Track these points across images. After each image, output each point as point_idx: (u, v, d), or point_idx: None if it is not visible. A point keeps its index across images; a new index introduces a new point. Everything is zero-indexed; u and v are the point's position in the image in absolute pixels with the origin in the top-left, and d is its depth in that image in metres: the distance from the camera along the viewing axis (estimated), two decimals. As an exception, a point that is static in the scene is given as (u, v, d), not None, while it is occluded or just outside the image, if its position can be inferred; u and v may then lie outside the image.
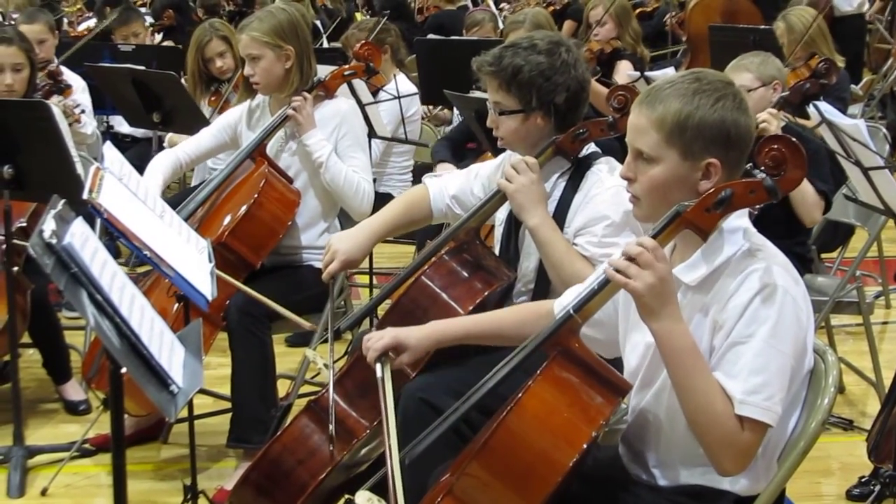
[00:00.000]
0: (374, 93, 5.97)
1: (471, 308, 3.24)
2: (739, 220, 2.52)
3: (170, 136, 5.99)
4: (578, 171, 3.38)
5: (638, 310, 2.42)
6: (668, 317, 2.39)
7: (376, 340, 2.88)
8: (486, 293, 3.28)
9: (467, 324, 3.01)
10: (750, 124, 2.53)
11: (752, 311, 2.40)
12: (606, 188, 3.28)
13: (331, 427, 3.22)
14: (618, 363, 2.70)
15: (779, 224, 4.32)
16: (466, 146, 6.19)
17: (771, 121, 4.46)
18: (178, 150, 4.67)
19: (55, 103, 5.03)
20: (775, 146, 2.41)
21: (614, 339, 2.74)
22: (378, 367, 2.86)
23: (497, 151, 3.76)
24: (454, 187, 3.70)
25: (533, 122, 3.35)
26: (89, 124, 5.76)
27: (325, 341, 3.42)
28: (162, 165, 4.57)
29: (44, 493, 4.19)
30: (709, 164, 2.48)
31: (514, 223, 3.44)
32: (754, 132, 2.58)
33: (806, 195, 4.48)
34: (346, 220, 4.67)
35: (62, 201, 2.43)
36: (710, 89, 2.50)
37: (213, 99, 6.11)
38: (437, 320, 2.98)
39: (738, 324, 2.40)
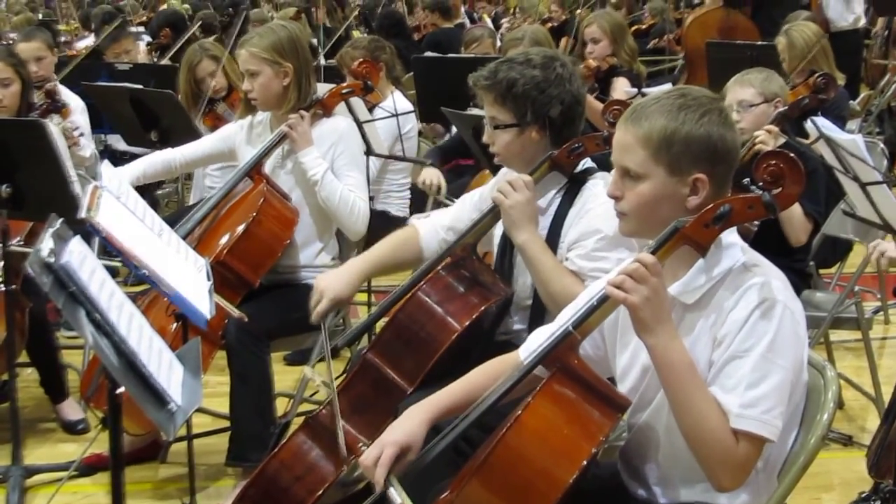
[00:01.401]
0: (371, 109, 5.98)
1: (467, 323, 3.24)
2: (732, 236, 2.53)
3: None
4: (574, 186, 3.39)
5: (634, 326, 2.43)
6: (664, 332, 2.40)
7: (375, 457, 2.60)
8: (482, 308, 3.29)
9: (445, 398, 2.78)
10: (736, 139, 2.55)
11: (751, 325, 2.40)
12: (601, 203, 3.28)
13: (340, 435, 3.17)
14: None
15: (773, 242, 4.32)
16: (458, 161, 6.21)
17: (768, 140, 4.47)
18: (176, 150, 4.78)
19: (55, 124, 5.04)
20: (773, 161, 2.42)
21: (602, 371, 2.73)
22: (392, 490, 2.56)
23: (494, 168, 3.76)
24: (447, 219, 3.71)
25: (528, 136, 3.37)
26: (88, 147, 5.77)
27: (324, 359, 3.41)
28: (151, 160, 4.72)
29: (42, 512, 4.19)
30: (696, 179, 2.49)
31: (508, 239, 3.44)
32: (740, 147, 2.59)
33: (793, 215, 4.48)
34: (344, 241, 4.68)
35: (60, 220, 2.44)
36: (696, 105, 2.52)
37: (208, 118, 6.11)
38: (414, 407, 2.76)
39: (737, 338, 2.41)
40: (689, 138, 2.48)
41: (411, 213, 5.88)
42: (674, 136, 2.48)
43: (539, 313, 3.37)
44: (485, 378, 2.78)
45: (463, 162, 6.62)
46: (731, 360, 2.41)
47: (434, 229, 3.70)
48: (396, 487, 2.58)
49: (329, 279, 3.57)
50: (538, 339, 2.72)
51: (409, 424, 2.69)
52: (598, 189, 3.34)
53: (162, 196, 7.51)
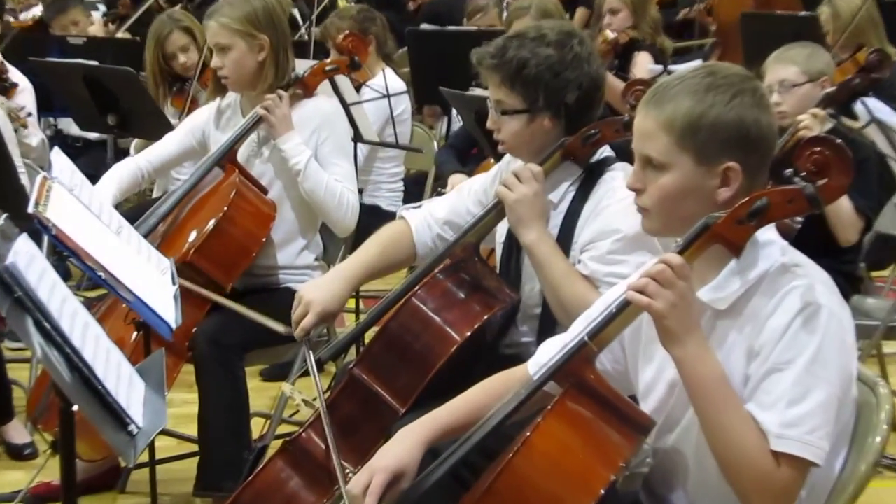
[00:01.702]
0: (358, 89, 5.97)
1: (468, 334, 3.24)
2: (771, 233, 2.53)
3: (136, 142, 5.95)
4: (590, 178, 3.39)
5: (659, 336, 2.43)
6: (693, 342, 2.40)
7: (364, 484, 2.63)
8: (485, 317, 3.29)
9: (443, 418, 2.79)
10: (772, 123, 2.55)
11: (792, 333, 2.40)
12: (619, 199, 3.26)
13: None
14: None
15: (818, 241, 4.32)
16: (470, 152, 6.19)
17: (813, 125, 4.46)
18: (140, 157, 4.69)
19: (-1, 105, 5.04)
20: (818, 148, 2.42)
21: (621, 388, 2.73)
22: None
23: (500, 157, 3.76)
24: (443, 211, 3.68)
25: (539, 124, 3.36)
26: (35, 135, 5.74)
27: (305, 374, 3.40)
28: (119, 175, 4.59)
29: (-16, 548, 4.19)
30: (727, 168, 2.49)
31: (515, 239, 3.43)
32: (777, 133, 2.59)
33: (841, 211, 4.46)
34: (329, 238, 4.68)
35: (4, 216, 2.44)
36: (726, 84, 2.52)
37: (176, 100, 6.08)
38: (408, 427, 2.78)
39: (776, 348, 2.41)
40: (717, 122, 2.48)
41: (405, 208, 5.87)
42: (700, 119, 2.49)
43: (549, 323, 3.36)
44: (489, 395, 2.79)
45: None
46: (770, 373, 2.41)
47: (427, 223, 3.68)
48: None
49: (315, 290, 3.55)
50: (549, 352, 2.73)
51: (402, 447, 2.70)
52: (616, 182, 3.33)
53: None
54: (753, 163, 2.51)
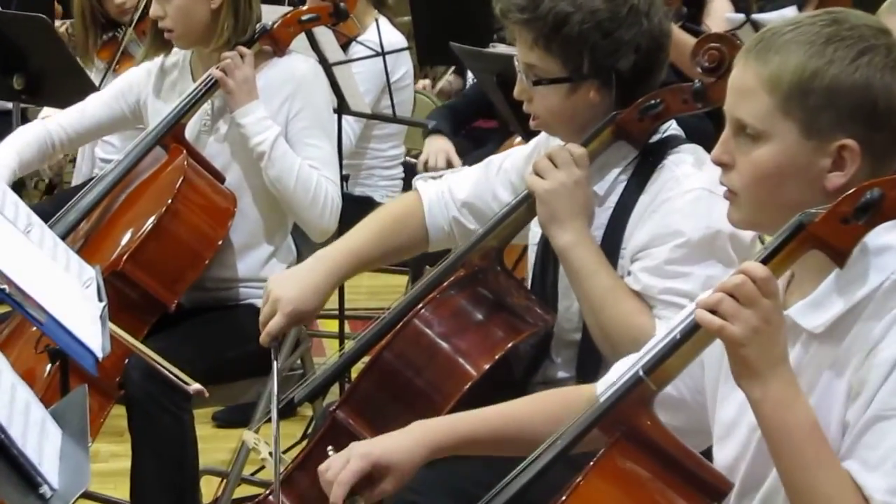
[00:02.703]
0: (345, 46, 5.97)
1: (487, 367, 3.25)
2: (889, 236, 2.52)
3: (45, 111, 5.93)
4: (647, 163, 3.38)
5: (733, 370, 2.42)
6: (777, 380, 2.39)
7: (339, 468, 2.73)
8: (509, 344, 3.30)
9: (472, 421, 2.87)
10: None
11: (905, 371, 2.40)
12: (685, 191, 3.26)
13: None
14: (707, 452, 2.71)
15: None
16: (472, 123, 6.18)
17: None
18: (51, 122, 4.67)
19: None
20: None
21: (700, 427, 2.75)
22: None
23: (529, 135, 3.76)
24: (465, 190, 3.68)
25: (583, 96, 3.35)
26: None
27: (271, 419, 3.41)
28: (22, 141, 4.62)
29: None
30: (842, 146, 2.47)
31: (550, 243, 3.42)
32: None
33: None
34: (304, 242, 4.68)
35: None
36: (853, 38, 2.50)
37: (104, 51, 6.07)
38: (420, 423, 2.85)
39: (884, 388, 2.40)
40: (835, 85, 2.46)
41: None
42: (814, 79, 2.46)
43: (591, 353, 3.37)
44: (537, 412, 2.85)
45: (483, 124, 6.61)
46: (876, 421, 2.40)
47: (444, 201, 3.68)
48: None
49: (286, 283, 3.58)
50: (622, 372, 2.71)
51: (402, 441, 2.78)
52: (682, 169, 3.32)
53: (30, 175, 7.52)
54: (879, 143, 2.49)
